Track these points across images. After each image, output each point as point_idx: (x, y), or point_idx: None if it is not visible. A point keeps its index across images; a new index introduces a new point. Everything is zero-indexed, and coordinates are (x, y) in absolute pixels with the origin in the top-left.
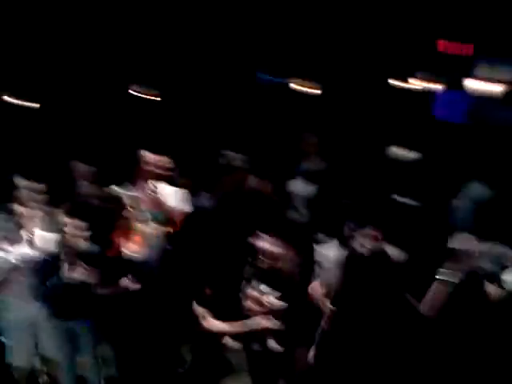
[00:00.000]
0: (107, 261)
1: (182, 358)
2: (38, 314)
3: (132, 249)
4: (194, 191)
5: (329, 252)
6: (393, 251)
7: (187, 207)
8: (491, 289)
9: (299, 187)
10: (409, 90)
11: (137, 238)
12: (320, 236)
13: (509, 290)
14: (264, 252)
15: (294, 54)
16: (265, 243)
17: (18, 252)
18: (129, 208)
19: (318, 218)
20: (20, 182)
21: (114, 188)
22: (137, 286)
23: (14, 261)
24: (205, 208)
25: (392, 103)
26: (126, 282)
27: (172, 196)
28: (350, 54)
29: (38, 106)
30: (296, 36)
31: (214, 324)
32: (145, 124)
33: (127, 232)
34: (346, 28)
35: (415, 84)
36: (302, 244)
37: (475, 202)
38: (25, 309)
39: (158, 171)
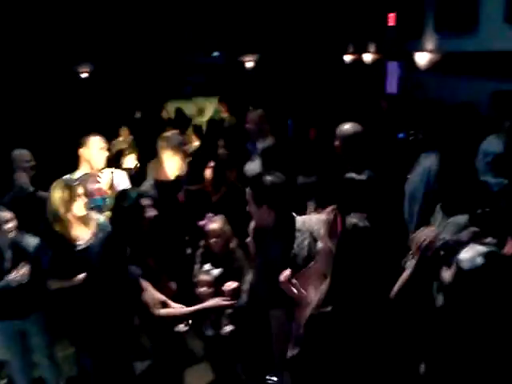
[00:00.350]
0: (57, 254)
1: (144, 349)
2: None
3: (84, 238)
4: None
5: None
6: None
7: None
8: (445, 272)
9: (257, 167)
10: (362, 64)
11: (89, 227)
12: None
13: (465, 270)
14: (213, 233)
15: (247, 31)
16: (214, 224)
17: None
18: (80, 196)
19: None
20: None
21: (65, 177)
22: (85, 277)
23: None
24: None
25: (345, 78)
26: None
27: (121, 180)
28: (301, 31)
29: None
30: (248, 14)
31: (168, 310)
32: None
33: (79, 221)
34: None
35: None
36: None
37: (425, 173)
38: None
39: (102, 155)
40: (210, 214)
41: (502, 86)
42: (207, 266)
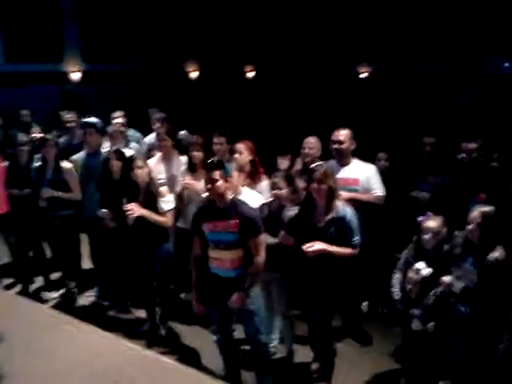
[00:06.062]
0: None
1: None
2: None
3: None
4: None
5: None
6: None
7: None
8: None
9: None
10: None
11: None
12: None
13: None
14: (427, 230)
15: None
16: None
17: None
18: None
19: None
20: None
21: None
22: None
23: None
24: None
25: None
26: None
27: None
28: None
29: None
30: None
31: None
32: None
33: None
34: None
35: None
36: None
37: None
38: None
39: None
40: (430, 213)
41: None
42: (419, 265)
